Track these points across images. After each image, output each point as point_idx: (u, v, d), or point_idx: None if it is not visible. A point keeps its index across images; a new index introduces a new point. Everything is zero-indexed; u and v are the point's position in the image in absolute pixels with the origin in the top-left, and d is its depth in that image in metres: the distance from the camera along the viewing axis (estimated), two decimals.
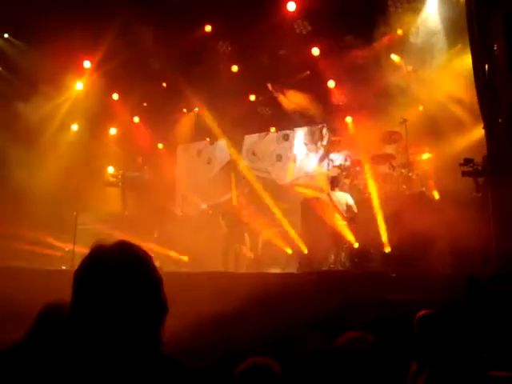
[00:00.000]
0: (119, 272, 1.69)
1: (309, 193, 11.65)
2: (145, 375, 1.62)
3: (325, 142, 12.92)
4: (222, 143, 14.86)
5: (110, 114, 13.86)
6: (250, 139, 14.94)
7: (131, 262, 1.73)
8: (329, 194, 9.70)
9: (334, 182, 9.92)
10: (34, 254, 11.07)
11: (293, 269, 9.60)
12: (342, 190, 9.99)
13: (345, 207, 9.46)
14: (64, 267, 10.19)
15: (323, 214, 9.41)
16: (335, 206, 9.44)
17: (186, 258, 11.41)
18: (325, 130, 13.32)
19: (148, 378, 1.62)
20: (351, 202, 9.51)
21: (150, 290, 1.73)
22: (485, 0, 6.85)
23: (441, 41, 10.45)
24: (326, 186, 10.37)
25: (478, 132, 7.43)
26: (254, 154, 14.76)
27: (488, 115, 6.88)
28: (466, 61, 7.81)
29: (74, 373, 1.59)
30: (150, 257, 1.81)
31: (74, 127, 13.52)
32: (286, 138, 14.50)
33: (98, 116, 13.18)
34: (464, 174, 7.75)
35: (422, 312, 3.72)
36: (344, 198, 9.59)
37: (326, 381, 1.34)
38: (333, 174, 10.66)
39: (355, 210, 9.42)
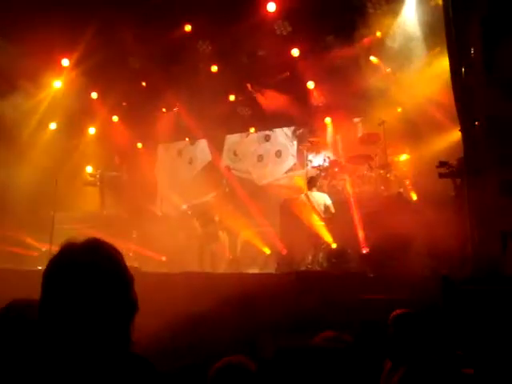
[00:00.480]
0: (88, 269, 1.67)
1: (288, 193, 11.69)
2: (113, 374, 1.60)
3: (302, 143, 12.96)
4: (203, 143, 14.85)
5: (88, 113, 13.76)
6: (231, 139, 14.94)
7: (101, 260, 1.71)
8: (306, 195, 9.75)
9: (312, 182, 9.97)
10: (10, 254, 10.95)
11: (271, 269, 9.62)
12: (320, 190, 10.04)
13: (322, 207, 9.51)
14: (40, 267, 10.08)
15: (301, 215, 9.46)
16: (313, 207, 9.49)
17: (164, 258, 11.36)
18: (301, 131, 13.39)
19: (116, 377, 1.60)
20: (329, 202, 9.57)
21: (119, 288, 1.71)
22: (462, 3, 6.92)
23: (419, 43, 10.55)
24: (304, 186, 10.42)
25: (456, 134, 7.50)
26: (235, 154, 14.77)
27: (464, 118, 6.96)
28: (444, 63, 7.89)
29: (41, 371, 1.58)
30: (121, 255, 1.79)
31: (53, 126, 13.39)
32: (268, 138, 14.54)
33: (76, 115, 13.08)
34: (441, 175, 7.83)
35: (397, 312, 3.77)
36: (322, 198, 9.64)
37: (302, 379, 1.36)
38: (311, 175, 10.70)
39: (332, 210, 9.49)
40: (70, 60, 12.50)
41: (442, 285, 4.12)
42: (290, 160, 13.80)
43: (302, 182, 11.19)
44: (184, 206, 12.75)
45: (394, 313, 3.75)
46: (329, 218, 9.42)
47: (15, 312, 2.71)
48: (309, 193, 9.75)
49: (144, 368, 1.69)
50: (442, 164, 7.72)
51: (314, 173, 10.93)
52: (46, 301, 1.67)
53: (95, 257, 1.71)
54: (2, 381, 1.62)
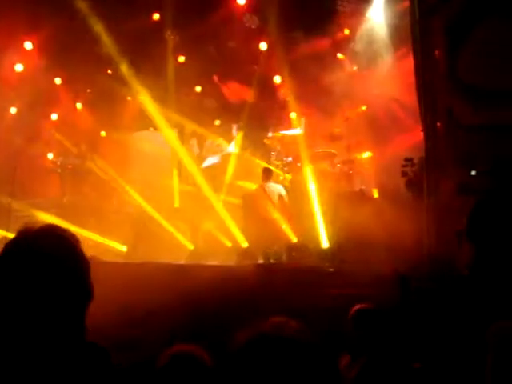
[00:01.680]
0: (42, 255, 1.65)
1: (248, 186, 11.67)
2: (67, 361, 1.59)
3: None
4: (167, 134, 14.71)
5: (51, 99, 13.48)
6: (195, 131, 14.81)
7: (56, 246, 1.69)
8: (262, 186, 9.78)
9: (267, 174, 10.02)
10: None
11: (232, 262, 9.63)
12: (279, 183, 10.13)
13: (277, 198, 9.58)
14: None
15: (259, 207, 9.49)
16: (269, 197, 9.54)
17: (124, 248, 11.26)
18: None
19: (71, 364, 1.59)
20: (283, 193, 9.65)
21: (74, 275, 1.69)
22: (428, 7, 7.04)
23: (386, 44, 10.67)
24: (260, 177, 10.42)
25: (418, 134, 7.63)
26: (200, 145, 14.66)
27: (426, 118, 7.10)
28: (409, 65, 8.01)
29: None
30: (79, 241, 1.77)
31: (13, 110, 13.09)
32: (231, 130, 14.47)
33: (38, 100, 12.80)
34: (403, 174, 7.95)
35: (357, 306, 3.83)
36: (277, 189, 9.71)
37: (257, 369, 1.36)
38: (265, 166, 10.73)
39: (286, 200, 9.59)
40: (33, 43, 12.22)
41: (399, 282, 4.20)
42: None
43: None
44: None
45: (355, 308, 3.82)
46: (283, 208, 9.50)
47: None
48: (264, 184, 9.80)
49: (98, 355, 1.67)
50: (407, 160, 7.84)
51: (275, 167, 10.97)
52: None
53: (50, 242, 1.69)
54: None
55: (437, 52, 7.04)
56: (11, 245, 1.71)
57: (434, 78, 7.04)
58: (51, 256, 1.66)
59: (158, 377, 2.69)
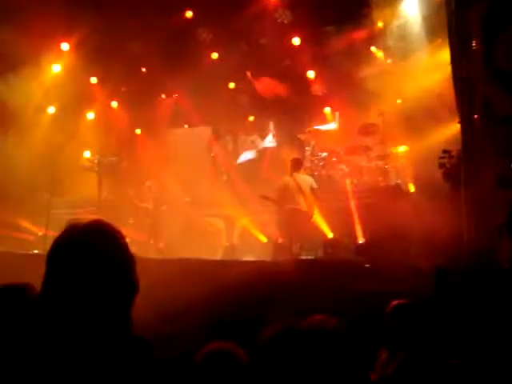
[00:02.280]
0: (91, 250, 1.68)
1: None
2: (114, 355, 1.62)
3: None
4: (201, 130, 14.81)
5: (87, 98, 13.69)
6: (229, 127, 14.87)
7: (103, 241, 1.72)
8: (293, 176, 9.65)
9: (297, 165, 9.90)
10: (7, 238, 10.96)
11: (268, 257, 9.64)
12: (318, 180, 10.06)
13: (308, 189, 9.47)
14: (36, 251, 10.09)
15: (292, 200, 9.43)
16: (299, 188, 9.44)
17: (161, 245, 11.39)
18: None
19: (117, 358, 1.62)
20: (315, 185, 9.53)
21: (121, 268, 1.72)
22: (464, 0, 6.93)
23: (420, 35, 10.51)
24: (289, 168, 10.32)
25: (455, 126, 7.51)
26: (234, 141, 14.71)
27: (463, 110, 6.98)
28: (445, 55, 7.88)
29: (41, 354, 1.58)
30: (123, 236, 1.80)
31: (51, 110, 13.34)
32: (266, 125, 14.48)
33: (75, 99, 13.01)
34: (441, 166, 7.82)
35: (396, 302, 3.79)
36: (308, 181, 9.60)
37: (293, 362, 1.35)
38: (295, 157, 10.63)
39: (318, 192, 9.49)
40: (69, 44, 12.45)
41: (436, 276, 4.14)
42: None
43: None
44: (187, 199, 12.74)
45: (393, 303, 3.77)
46: (315, 201, 9.39)
47: (7, 296, 2.74)
48: (294, 174, 9.69)
49: (144, 349, 1.69)
50: (445, 152, 7.70)
51: (310, 162, 10.91)
52: (49, 281, 1.68)
53: (98, 237, 1.72)
54: (2, 365, 1.62)
55: (473, 42, 6.91)
56: (60, 240, 1.73)
57: (471, 68, 6.91)
58: (99, 251, 1.69)
59: (195, 374, 2.71)
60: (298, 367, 1.34)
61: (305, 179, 9.62)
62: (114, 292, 1.68)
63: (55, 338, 1.60)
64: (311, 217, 9.36)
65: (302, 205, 9.37)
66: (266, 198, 9.78)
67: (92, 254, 1.68)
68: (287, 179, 9.73)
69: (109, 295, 1.67)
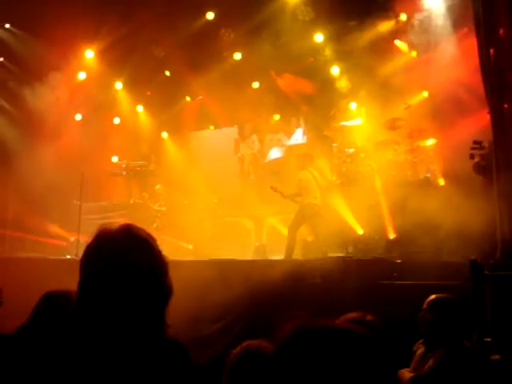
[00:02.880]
0: (124, 255, 1.68)
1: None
2: (149, 358, 1.61)
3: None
4: (227, 131, 14.84)
5: (113, 103, 13.85)
6: (255, 127, 14.87)
7: (136, 245, 1.72)
8: (309, 170, 9.71)
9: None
10: (39, 244, 11.13)
11: (297, 256, 9.60)
12: (344, 177, 10.03)
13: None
14: (69, 256, 10.22)
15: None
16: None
17: (190, 247, 11.43)
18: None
19: (152, 361, 1.61)
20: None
21: (155, 272, 1.71)
22: None
23: (445, 25, 10.36)
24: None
25: (484, 117, 7.37)
26: (260, 140, 14.69)
27: (493, 100, 6.83)
28: (472, 45, 7.74)
29: (78, 357, 1.59)
30: (155, 240, 1.80)
31: (78, 117, 13.51)
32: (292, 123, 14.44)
33: (101, 105, 13.18)
34: (471, 156, 7.69)
35: (432, 296, 3.72)
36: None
37: (320, 362, 1.32)
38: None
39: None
40: (93, 51, 12.60)
41: (470, 270, 4.06)
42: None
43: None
44: (215, 200, 12.77)
45: (430, 298, 3.71)
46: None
47: (55, 302, 2.78)
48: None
49: (178, 352, 1.69)
50: (477, 143, 7.57)
51: (337, 159, 10.84)
52: (84, 289, 1.69)
53: (130, 242, 1.72)
54: (42, 372, 1.63)
55: (501, 30, 6.77)
56: (93, 246, 1.74)
57: (499, 56, 6.77)
58: (133, 255, 1.69)
59: (230, 373, 2.70)
60: (334, 364, 1.30)
61: (318, 174, 9.69)
62: (148, 296, 1.68)
63: (91, 343, 1.60)
64: (341, 215, 9.34)
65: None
66: (275, 189, 9.75)
67: (124, 260, 1.67)
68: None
69: (143, 300, 1.66)
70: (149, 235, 1.79)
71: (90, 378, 1.56)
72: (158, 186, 12.10)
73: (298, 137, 13.79)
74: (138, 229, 1.79)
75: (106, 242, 1.72)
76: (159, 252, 1.78)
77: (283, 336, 1.38)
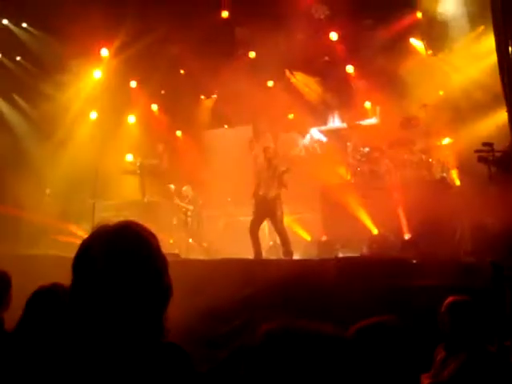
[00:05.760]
0: (118, 252, 1.60)
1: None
2: (143, 362, 1.54)
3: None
4: (241, 130, 14.79)
5: (128, 102, 13.87)
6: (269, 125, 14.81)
7: (132, 243, 1.63)
8: None
9: None
10: (54, 242, 11.17)
11: (312, 255, 9.55)
12: (361, 176, 9.98)
13: None
14: None
15: (342, 201, 9.36)
16: None
17: (205, 245, 11.42)
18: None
19: (147, 365, 1.54)
20: None
21: (151, 273, 1.62)
22: None
23: (462, 23, 10.25)
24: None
25: (501, 116, 7.29)
26: (274, 139, 14.62)
27: (511, 99, 6.76)
28: (489, 43, 7.66)
29: (71, 358, 1.53)
30: (156, 238, 1.71)
31: (93, 115, 13.55)
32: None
33: (116, 104, 13.20)
34: (480, 159, 7.53)
35: (452, 298, 3.61)
36: None
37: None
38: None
39: None
40: (108, 49, 12.63)
41: (492, 271, 3.98)
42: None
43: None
44: (229, 199, 12.75)
45: (449, 299, 3.60)
46: None
47: (46, 298, 2.75)
48: None
49: (177, 356, 1.61)
50: (486, 145, 7.42)
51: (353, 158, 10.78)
52: (77, 286, 1.61)
53: (126, 240, 1.64)
54: (32, 366, 1.60)
55: None
56: (88, 241, 1.66)
57: None
58: (127, 253, 1.61)
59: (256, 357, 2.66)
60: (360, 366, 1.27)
61: None
62: (143, 297, 1.59)
63: (82, 346, 1.54)
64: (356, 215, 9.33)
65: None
66: (285, 187, 9.69)
67: (119, 256, 1.60)
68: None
69: (137, 301, 1.58)
70: (149, 233, 1.70)
71: (78, 380, 1.51)
72: (185, 188, 12.05)
73: (313, 136, 13.72)
74: (137, 226, 1.70)
75: (99, 239, 1.64)
76: (159, 251, 1.68)
77: (256, 338, 1.36)
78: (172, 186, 12.16)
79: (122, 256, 1.60)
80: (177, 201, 11.88)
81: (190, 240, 11.42)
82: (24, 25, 12.54)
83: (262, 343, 1.33)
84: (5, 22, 12.43)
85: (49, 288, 2.84)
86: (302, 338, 1.32)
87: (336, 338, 1.34)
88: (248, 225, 9.77)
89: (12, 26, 12.52)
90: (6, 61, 12.86)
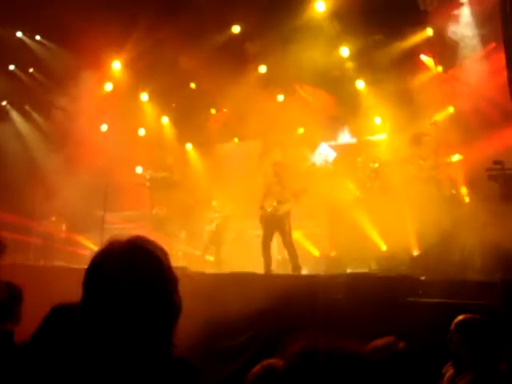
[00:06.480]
0: (128, 269, 1.60)
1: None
2: (154, 378, 1.54)
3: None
4: (251, 144, 14.83)
5: (138, 115, 13.95)
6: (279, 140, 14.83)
7: (142, 259, 1.64)
8: None
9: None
10: (63, 253, 11.21)
11: (321, 271, 9.52)
12: (370, 191, 9.95)
13: None
14: None
15: (350, 217, 9.35)
16: None
17: (212, 259, 11.40)
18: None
19: (157, 381, 1.54)
20: None
21: (161, 289, 1.63)
22: None
23: (473, 39, 10.27)
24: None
25: (511, 134, 7.26)
26: (284, 154, 14.63)
27: None
28: (499, 60, 7.66)
29: (79, 375, 1.53)
30: (166, 254, 1.71)
31: (104, 127, 13.64)
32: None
33: (127, 116, 13.28)
34: (490, 177, 7.49)
35: (462, 317, 3.58)
36: None
37: None
38: None
39: None
40: (120, 62, 12.74)
41: (501, 289, 3.95)
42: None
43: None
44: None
45: (458, 318, 3.57)
46: None
47: (62, 315, 2.75)
48: None
49: (186, 373, 1.61)
50: (497, 163, 7.39)
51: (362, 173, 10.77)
52: (87, 302, 1.62)
53: (137, 259, 1.64)
54: (42, 381, 1.59)
55: None
56: (98, 258, 1.67)
57: None
58: (138, 273, 1.61)
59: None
60: None
61: None
62: (153, 314, 1.59)
63: (91, 363, 1.53)
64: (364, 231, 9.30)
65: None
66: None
67: (128, 273, 1.60)
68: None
69: (147, 317, 1.57)
70: (159, 249, 1.70)
71: None
72: (214, 203, 12.04)
73: (323, 151, 13.73)
74: (148, 242, 1.70)
75: (111, 257, 1.64)
76: (169, 267, 1.68)
77: (289, 357, 1.35)
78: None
79: (133, 276, 1.60)
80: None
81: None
82: (37, 37, 12.69)
83: (300, 361, 1.32)
84: (19, 34, 12.60)
85: (68, 306, 2.84)
86: (344, 360, 1.31)
87: (371, 363, 1.34)
88: (256, 238, 9.76)
89: (26, 39, 12.68)
90: (19, 73, 13.02)
